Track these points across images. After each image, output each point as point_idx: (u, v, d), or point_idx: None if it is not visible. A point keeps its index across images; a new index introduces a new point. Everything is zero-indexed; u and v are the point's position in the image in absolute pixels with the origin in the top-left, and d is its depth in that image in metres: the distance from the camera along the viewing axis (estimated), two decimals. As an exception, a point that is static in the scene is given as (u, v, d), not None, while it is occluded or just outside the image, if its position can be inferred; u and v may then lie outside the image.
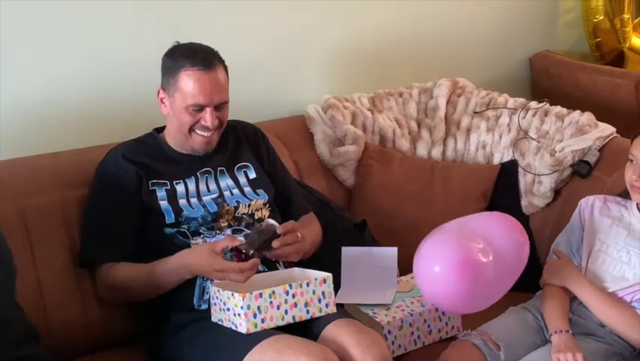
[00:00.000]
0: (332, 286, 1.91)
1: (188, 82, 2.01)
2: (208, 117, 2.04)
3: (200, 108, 2.03)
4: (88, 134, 2.34)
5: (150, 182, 2.08)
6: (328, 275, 1.92)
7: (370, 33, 2.85)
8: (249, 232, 2.05)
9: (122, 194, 2.05)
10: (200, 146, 2.09)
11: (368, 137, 2.63)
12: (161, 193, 2.07)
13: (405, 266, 2.25)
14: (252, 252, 1.93)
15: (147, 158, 2.11)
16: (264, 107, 2.64)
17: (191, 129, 2.07)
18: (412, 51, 2.93)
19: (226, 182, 2.14)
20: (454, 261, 1.89)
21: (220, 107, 2.06)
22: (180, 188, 2.09)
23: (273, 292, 1.84)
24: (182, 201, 2.07)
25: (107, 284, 2.03)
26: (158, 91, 2.09)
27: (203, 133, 2.07)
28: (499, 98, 2.74)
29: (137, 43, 2.42)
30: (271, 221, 1.98)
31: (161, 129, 2.19)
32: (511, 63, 3.21)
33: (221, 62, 2.07)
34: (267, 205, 2.15)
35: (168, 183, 2.09)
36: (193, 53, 2.03)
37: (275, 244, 1.94)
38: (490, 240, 1.95)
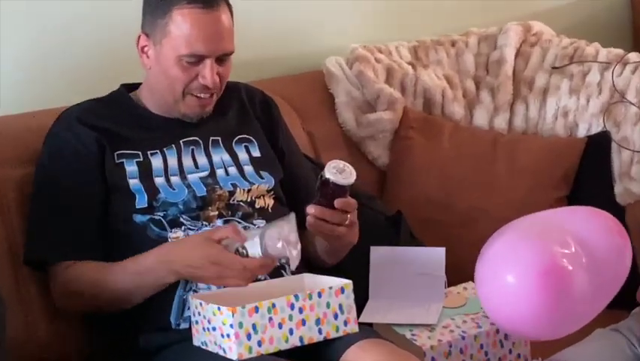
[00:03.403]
0: (352, 296, 1.90)
1: (183, 25, 2.00)
2: (207, 72, 2.02)
3: (198, 60, 2.03)
4: (30, 95, 2.34)
5: (116, 153, 2.07)
6: (347, 283, 1.90)
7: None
8: (253, 226, 2.05)
9: (79, 169, 2.05)
10: (194, 110, 2.10)
11: (408, 100, 2.65)
12: (130, 168, 2.07)
13: (455, 273, 2.26)
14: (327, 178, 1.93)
15: (112, 122, 2.11)
16: (269, 60, 2.66)
17: (185, 91, 2.06)
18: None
19: (220, 156, 2.14)
20: (534, 269, 1.89)
21: (222, 59, 2.06)
22: (157, 161, 2.09)
23: (273, 305, 1.83)
24: (160, 180, 2.07)
25: (65, 290, 2.03)
26: (139, 37, 2.08)
27: (200, 94, 2.07)
28: (587, 48, 2.74)
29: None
30: (349, 169, 1.96)
31: (132, 86, 2.19)
32: (604, 1, 3.18)
33: None
34: (272, 193, 2.16)
35: (140, 154, 2.09)
36: None
37: (337, 203, 1.93)
38: (583, 242, 1.95)
